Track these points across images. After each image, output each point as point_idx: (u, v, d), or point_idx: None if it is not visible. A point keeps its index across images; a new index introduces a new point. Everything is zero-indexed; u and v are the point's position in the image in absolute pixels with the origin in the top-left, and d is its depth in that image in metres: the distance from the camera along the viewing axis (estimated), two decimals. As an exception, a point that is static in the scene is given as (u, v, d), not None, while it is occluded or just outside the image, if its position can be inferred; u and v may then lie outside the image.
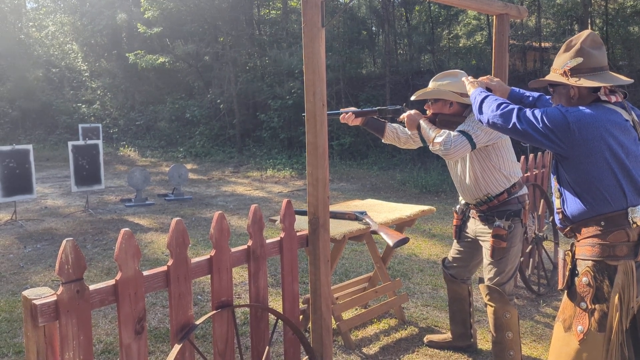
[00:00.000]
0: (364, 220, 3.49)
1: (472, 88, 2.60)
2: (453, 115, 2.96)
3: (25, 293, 1.82)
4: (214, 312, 2.27)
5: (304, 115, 2.82)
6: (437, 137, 2.76)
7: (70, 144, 7.85)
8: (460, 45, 17.50)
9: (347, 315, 4.05)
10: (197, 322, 2.20)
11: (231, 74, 16.01)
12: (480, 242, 3.09)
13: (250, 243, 2.45)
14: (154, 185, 10.86)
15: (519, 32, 14.81)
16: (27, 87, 18.78)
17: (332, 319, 3.79)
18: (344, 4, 15.90)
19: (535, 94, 2.72)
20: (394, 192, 10.05)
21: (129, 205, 8.60)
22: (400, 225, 3.92)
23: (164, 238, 6.51)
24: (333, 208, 3.93)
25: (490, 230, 2.94)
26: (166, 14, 16.92)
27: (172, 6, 16.70)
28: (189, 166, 13.71)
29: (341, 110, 3.32)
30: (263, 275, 2.50)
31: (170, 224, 2.14)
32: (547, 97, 2.66)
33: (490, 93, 2.47)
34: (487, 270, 3.01)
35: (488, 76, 2.86)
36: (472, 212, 3.15)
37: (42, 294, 1.81)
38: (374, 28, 17.60)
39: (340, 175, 11.98)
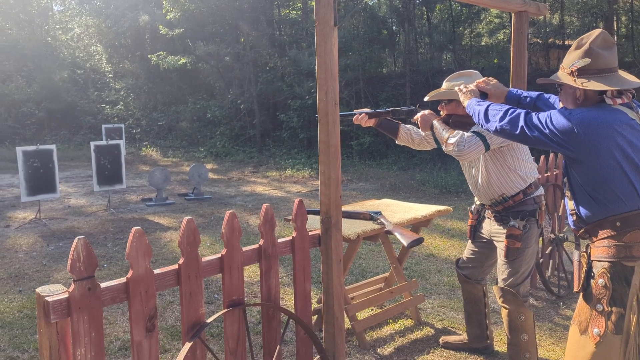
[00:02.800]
0: (378, 220, 3.47)
1: (465, 99, 2.58)
2: (467, 116, 2.92)
3: (39, 290, 1.85)
4: (225, 310, 2.28)
5: (317, 117, 2.85)
6: (451, 138, 2.74)
7: (92, 144, 7.98)
8: (482, 43, 17.31)
9: (362, 315, 4.03)
10: (208, 321, 2.21)
11: (251, 74, 16.10)
12: (495, 242, 3.06)
13: (261, 242, 2.45)
14: (175, 185, 10.98)
15: (542, 30, 14.58)
16: (53, 89, 19.16)
17: (347, 319, 3.79)
18: (357, 4, 15.85)
19: (534, 94, 2.67)
20: (414, 192, 9.98)
21: (150, 205, 8.71)
22: (415, 225, 3.89)
23: (183, 237, 6.57)
24: (348, 208, 3.92)
25: (505, 231, 2.90)
26: (188, 15, 17.09)
27: (193, 7, 16.85)
28: (209, 166, 13.83)
29: (355, 111, 3.30)
30: (274, 274, 2.50)
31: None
32: (547, 95, 2.62)
33: (487, 101, 2.45)
34: (501, 271, 2.98)
35: (485, 79, 2.81)
36: (487, 212, 3.11)
37: (54, 291, 1.84)
38: (394, 27, 17.50)
39: (360, 175, 11.94)
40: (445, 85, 3.06)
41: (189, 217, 2.16)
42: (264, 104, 16.60)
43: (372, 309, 4.22)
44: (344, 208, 3.92)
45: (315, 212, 3.70)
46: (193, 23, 17.19)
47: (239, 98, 16.66)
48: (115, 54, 23.06)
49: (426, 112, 3.03)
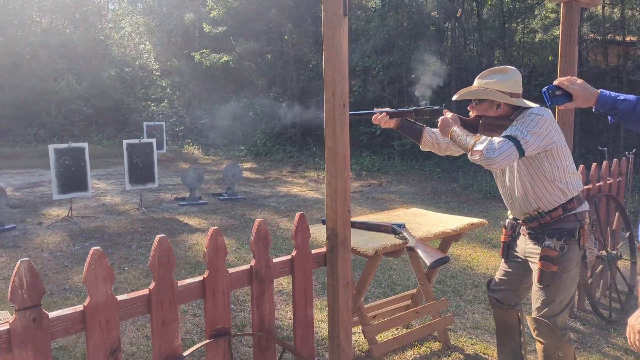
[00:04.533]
0: (401, 234, 3.11)
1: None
2: (499, 118, 2.51)
3: (-20, 318, 1.61)
4: (207, 341, 1.99)
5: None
6: (477, 145, 2.33)
7: (124, 142, 7.92)
8: (537, 40, 16.45)
9: (384, 336, 3.68)
10: (185, 353, 1.93)
11: (294, 72, 15.89)
12: (530, 263, 2.64)
13: (253, 262, 2.15)
14: (211, 184, 10.87)
15: (600, 26, 13.65)
16: (101, 86, 19.57)
17: (365, 341, 3.44)
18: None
19: (631, 97, 2.13)
20: (456, 196, 9.47)
21: (182, 204, 8.59)
22: (445, 239, 3.50)
23: (209, 239, 6.38)
24: (370, 218, 3.57)
25: (540, 251, 2.49)
26: (232, 13, 17.05)
27: (237, 4, 16.80)
28: (248, 165, 13.70)
29: (375, 110, 2.94)
30: (269, 298, 2.19)
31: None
32: None
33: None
34: (535, 299, 2.56)
35: (568, 78, 2.36)
36: (522, 229, 2.70)
37: (-4, 321, 1.59)
38: (441, 23, 16.89)
39: (400, 177, 11.50)
40: (476, 82, 2.66)
41: (161, 235, 1.88)
42: (306, 102, 16.34)
43: (396, 329, 3.86)
44: (365, 218, 3.58)
45: (350, 224, 3.37)
46: (237, 21, 17.14)
47: (281, 96, 16.48)
48: (164, 52, 23.41)
49: (449, 115, 2.63)
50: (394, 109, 2.89)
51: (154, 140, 8.10)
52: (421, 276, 3.66)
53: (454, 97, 2.72)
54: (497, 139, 2.33)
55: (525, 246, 2.69)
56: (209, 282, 2.00)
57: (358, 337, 3.71)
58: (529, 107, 2.48)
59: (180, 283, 1.94)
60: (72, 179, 7.23)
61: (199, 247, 6.07)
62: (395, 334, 3.77)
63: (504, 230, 2.89)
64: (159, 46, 23.57)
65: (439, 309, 3.66)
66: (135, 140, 8.03)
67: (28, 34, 22.98)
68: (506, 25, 15.46)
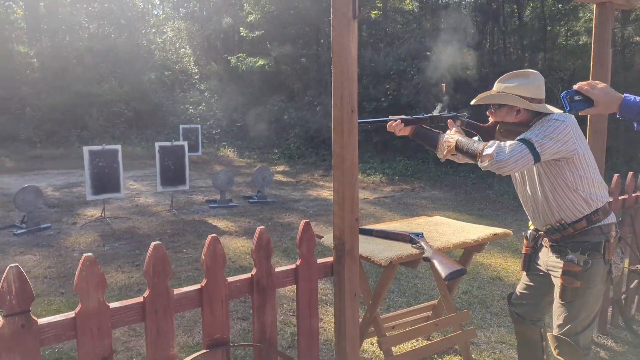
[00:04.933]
0: (418, 244, 3.00)
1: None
2: (518, 124, 2.38)
3: (-28, 322, 1.60)
4: (204, 351, 1.95)
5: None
6: (487, 149, 2.20)
7: (157, 144, 8.04)
8: (580, 42, 15.91)
9: (403, 348, 3.57)
10: (181, 364, 1.89)
11: (328, 76, 15.84)
12: (552, 277, 2.49)
13: (254, 271, 2.09)
14: (243, 186, 10.93)
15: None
16: (142, 90, 20.03)
17: (381, 353, 3.35)
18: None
19: None
20: (490, 203, 9.21)
21: (213, 207, 8.66)
22: (466, 250, 3.37)
23: (235, 243, 6.39)
24: (389, 226, 3.48)
25: (562, 264, 2.35)
26: (268, 17, 17.19)
27: (273, 9, 16.92)
28: (280, 168, 13.73)
29: (390, 117, 2.83)
30: (270, 309, 2.13)
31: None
32: None
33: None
34: (556, 315, 2.42)
35: (589, 82, 2.23)
36: (545, 240, 2.56)
37: (-14, 326, 1.58)
38: (480, 26, 16.56)
39: (434, 182, 11.29)
40: (496, 86, 2.54)
41: (157, 242, 1.85)
42: (340, 106, 16.28)
43: (416, 341, 3.74)
44: (383, 226, 3.48)
45: (366, 232, 3.29)
46: (273, 25, 17.26)
47: (316, 99, 16.48)
48: (203, 56, 23.84)
49: (452, 130, 2.53)
50: (409, 116, 2.77)
51: (185, 143, 8.19)
52: (442, 287, 3.53)
53: (472, 102, 2.61)
54: (509, 142, 2.21)
55: (547, 259, 2.55)
56: (206, 290, 1.95)
57: (376, 349, 3.61)
58: (550, 113, 2.35)
59: (177, 291, 1.91)
60: (105, 180, 7.38)
61: (225, 250, 6.08)
62: (414, 346, 3.65)
63: (525, 241, 2.75)
64: (198, 50, 24.03)
65: (461, 322, 3.52)
66: (167, 143, 8.14)
67: (75, 39, 23.79)
68: (548, 28, 15.02)
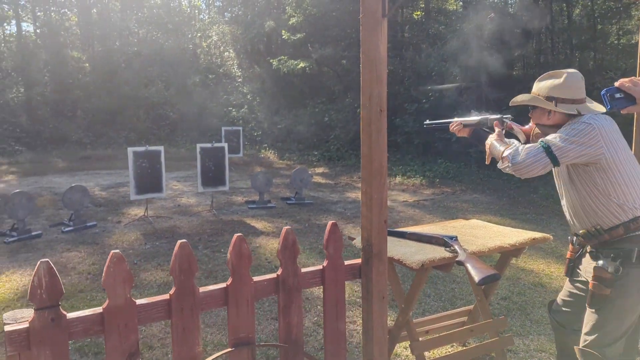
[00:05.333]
0: (452, 247, 2.93)
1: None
2: (551, 126, 2.31)
3: (6, 315, 1.67)
4: (229, 350, 1.96)
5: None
6: (506, 151, 2.21)
7: (198, 146, 8.19)
8: (633, 41, 15.26)
9: (437, 353, 3.50)
10: (206, 361, 1.91)
11: (369, 78, 15.77)
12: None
13: (279, 272, 2.10)
14: (282, 188, 11.01)
15: None
16: (187, 92, 20.50)
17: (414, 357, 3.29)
18: None
19: None
20: (534, 207, 8.94)
21: (252, 208, 8.75)
22: (503, 254, 3.27)
23: (272, 243, 6.44)
24: (423, 229, 3.42)
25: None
26: (310, 20, 17.26)
27: (315, 11, 16.98)
28: (320, 170, 13.75)
29: (455, 119, 2.95)
30: (297, 309, 2.13)
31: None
32: None
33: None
34: (585, 323, 2.32)
35: (630, 79, 2.15)
36: (587, 247, 2.46)
37: (20, 318, 1.64)
38: (528, 25, 16.12)
39: (476, 185, 11.05)
40: (534, 87, 2.47)
41: (183, 240, 1.87)
42: (382, 107, 16.16)
43: (451, 346, 3.66)
44: (417, 229, 3.42)
45: (399, 234, 3.25)
46: (315, 27, 17.32)
47: (356, 102, 16.42)
48: (246, 59, 24.17)
49: (495, 133, 2.53)
50: (466, 118, 2.86)
51: (225, 145, 8.31)
52: (478, 292, 3.45)
53: (510, 104, 2.56)
54: (528, 145, 2.20)
55: (587, 265, 2.45)
56: (232, 289, 1.97)
57: (409, 353, 3.56)
58: (581, 115, 2.26)
59: (202, 290, 1.93)
60: (148, 181, 7.57)
61: (261, 251, 6.14)
62: (448, 352, 3.58)
63: (570, 246, 2.65)
64: (242, 53, 24.38)
65: (497, 328, 3.43)
66: (208, 145, 8.29)
67: (125, 44, 24.62)
68: (599, 27, 14.49)
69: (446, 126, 3.01)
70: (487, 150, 2.57)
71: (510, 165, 2.19)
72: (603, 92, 2.01)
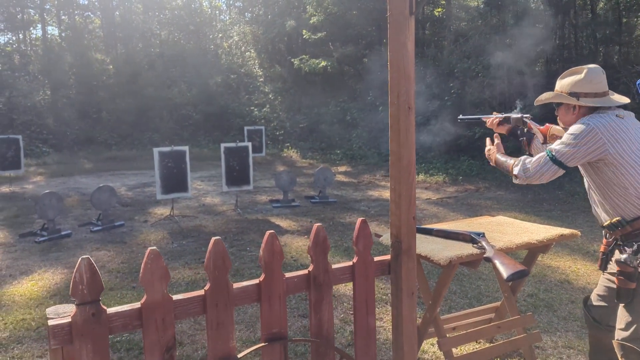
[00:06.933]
0: (479, 244, 2.93)
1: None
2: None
3: (49, 310, 1.73)
4: (262, 345, 2.00)
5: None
6: (515, 168, 2.42)
7: (222, 145, 8.28)
8: (661, 34, 14.94)
9: (464, 349, 3.50)
10: (240, 355, 1.95)
11: (391, 75, 15.74)
12: None
13: (311, 268, 2.13)
14: (305, 187, 11.06)
15: None
16: (209, 93, 20.70)
17: (441, 354, 3.30)
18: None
19: None
20: (560, 204, 8.83)
21: (276, 206, 8.82)
22: (530, 251, 3.26)
23: (297, 241, 6.48)
24: (450, 226, 3.42)
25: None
26: (331, 19, 17.29)
27: (336, 10, 17.00)
28: (342, 168, 13.77)
29: (495, 113, 3.04)
30: (327, 305, 2.16)
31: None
32: None
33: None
34: (618, 318, 2.32)
35: None
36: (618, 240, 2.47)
37: (62, 313, 1.70)
38: (549, 20, 15.89)
39: (500, 183, 10.95)
40: (557, 85, 2.48)
41: (217, 237, 1.91)
42: (403, 105, 16.11)
43: (478, 343, 3.66)
44: (444, 226, 3.43)
45: (426, 231, 3.26)
46: (336, 26, 17.35)
47: (378, 100, 16.40)
48: (268, 59, 24.32)
49: (492, 146, 2.64)
50: (504, 114, 2.95)
51: (249, 144, 8.39)
52: (505, 288, 3.44)
53: (535, 102, 2.57)
54: (537, 156, 2.36)
55: (615, 258, 2.45)
56: (264, 285, 2.00)
57: (436, 349, 3.56)
58: (606, 107, 2.32)
59: (236, 285, 1.97)
60: (174, 180, 7.68)
61: (286, 249, 6.19)
62: (476, 348, 3.57)
63: (604, 239, 2.64)
64: (263, 53, 24.54)
65: (525, 325, 3.41)
66: (232, 144, 8.37)
67: (147, 45, 24.98)
68: (624, 20, 14.20)
69: (480, 121, 3.10)
70: (493, 163, 2.75)
71: (523, 179, 2.39)
72: (639, 81, 2.05)
